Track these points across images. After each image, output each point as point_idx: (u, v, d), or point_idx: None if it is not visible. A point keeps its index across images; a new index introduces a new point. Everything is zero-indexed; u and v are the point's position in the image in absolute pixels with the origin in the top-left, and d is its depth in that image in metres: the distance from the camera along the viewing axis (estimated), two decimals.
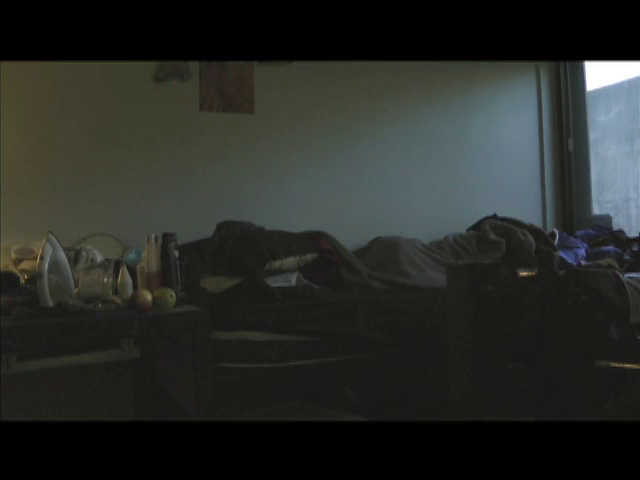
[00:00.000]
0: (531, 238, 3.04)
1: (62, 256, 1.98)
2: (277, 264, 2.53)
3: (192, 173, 2.97)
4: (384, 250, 2.97)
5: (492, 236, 3.07)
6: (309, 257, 2.64)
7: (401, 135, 3.48)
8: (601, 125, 3.82)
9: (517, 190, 3.73)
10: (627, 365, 2.00)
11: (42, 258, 1.91)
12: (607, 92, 3.79)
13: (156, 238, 2.16)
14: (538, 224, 3.44)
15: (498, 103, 3.78)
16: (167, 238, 2.18)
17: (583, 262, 2.98)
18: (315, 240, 2.73)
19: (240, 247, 2.52)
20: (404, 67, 3.31)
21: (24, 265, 2.33)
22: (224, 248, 2.52)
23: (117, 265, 2.20)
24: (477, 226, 3.29)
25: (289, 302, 2.29)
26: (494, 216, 3.35)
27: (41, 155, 2.68)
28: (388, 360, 2.27)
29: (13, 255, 2.42)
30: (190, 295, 2.12)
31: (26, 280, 2.18)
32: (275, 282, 2.46)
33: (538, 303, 2.28)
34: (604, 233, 3.35)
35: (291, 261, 2.58)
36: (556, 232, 3.31)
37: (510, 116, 3.80)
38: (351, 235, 3.13)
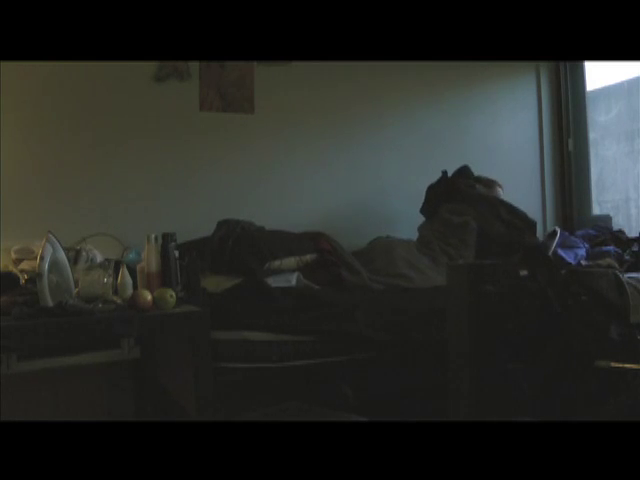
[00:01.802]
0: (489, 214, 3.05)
1: (62, 256, 1.98)
2: (276, 264, 2.53)
3: (192, 173, 2.97)
4: (380, 255, 2.95)
5: (456, 219, 3.06)
6: (308, 258, 2.63)
7: (401, 135, 3.48)
8: (601, 125, 3.81)
9: (517, 190, 3.72)
10: (627, 365, 2.00)
11: (42, 258, 1.91)
12: (607, 92, 3.79)
13: (156, 238, 2.16)
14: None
15: (498, 103, 3.78)
16: (167, 238, 2.18)
17: (583, 262, 2.97)
18: (315, 240, 2.73)
19: (240, 246, 2.52)
20: (404, 67, 3.31)
21: (24, 265, 2.33)
22: (224, 246, 2.52)
23: (117, 265, 2.20)
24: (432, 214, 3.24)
25: (289, 302, 2.29)
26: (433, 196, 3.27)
27: (41, 155, 2.68)
28: (388, 360, 2.27)
29: (13, 255, 2.42)
30: (190, 295, 2.12)
31: (26, 280, 2.18)
32: (275, 282, 2.46)
33: (538, 303, 2.28)
34: (604, 233, 3.35)
35: (290, 261, 2.58)
36: (557, 230, 3.30)
37: (510, 116, 3.80)
38: (351, 235, 3.13)
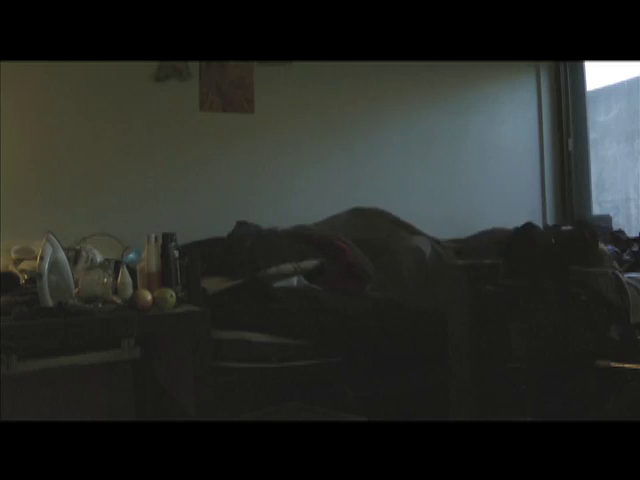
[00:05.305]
0: None
1: (62, 256, 1.98)
2: (273, 270, 2.50)
3: (192, 173, 2.97)
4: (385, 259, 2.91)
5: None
6: (306, 264, 2.58)
7: (401, 135, 3.48)
8: (601, 125, 3.82)
9: (517, 190, 3.73)
10: (627, 365, 2.01)
11: (42, 258, 1.90)
12: (607, 92, 3.79)
13: (156, 238, 2.16)
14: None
15: (498, 103, 3.77)
16: (167, 238, 2.18)
17: None
18: (332, 244, 2.69)
19: (254, 248, 2.52)
20: (404, 67, 3.30)
21: (24, 265, 2.33)
22: (240, 248, 2.51)
23: (117, 265, 2.19)
24: None
25: (290, 303, 2.28)
26: None
27: (41, 155, 2.68)
28: (388, 360, 2.27)
29: (13, 255, 2.41)
30: (190, 295, 2.12)
31: (26, 280, 2.18)
32: (276, 282, 2.45)
33: (538, 303, 2.28)
34: (604, 233, 3.35)
35: (288, 268, 2.54)
36: None
37: (510, 116, 3.80)
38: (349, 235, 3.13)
